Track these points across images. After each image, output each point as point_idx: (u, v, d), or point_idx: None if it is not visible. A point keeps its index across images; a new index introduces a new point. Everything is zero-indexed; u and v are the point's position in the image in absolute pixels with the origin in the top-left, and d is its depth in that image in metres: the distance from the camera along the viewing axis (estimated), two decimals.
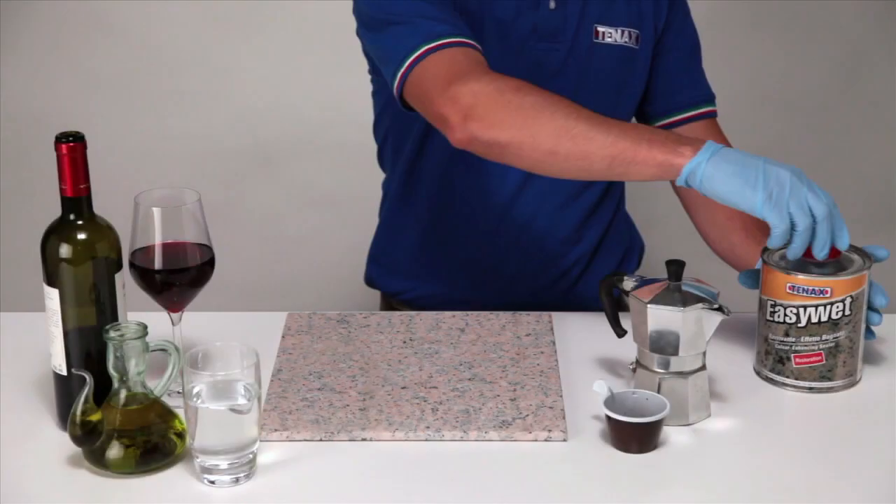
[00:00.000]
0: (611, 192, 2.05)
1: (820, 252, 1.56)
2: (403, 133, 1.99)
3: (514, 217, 1.97)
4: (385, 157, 2.08)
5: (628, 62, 1.92)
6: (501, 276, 2.01)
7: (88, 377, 1.45)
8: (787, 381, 1.65)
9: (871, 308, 1.66)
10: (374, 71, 1.99)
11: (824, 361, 1.63)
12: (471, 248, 2.00)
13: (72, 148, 1.47)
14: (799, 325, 1.63)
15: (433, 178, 1.99)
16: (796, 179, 1.54)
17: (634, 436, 1.50)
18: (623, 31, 1.91)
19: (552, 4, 1.87)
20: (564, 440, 1.53)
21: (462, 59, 1.71)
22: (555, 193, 1.97)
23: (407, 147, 1.99)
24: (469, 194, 1.97)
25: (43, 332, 1.55)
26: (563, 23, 1.88)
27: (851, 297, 1.61)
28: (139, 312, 1.59)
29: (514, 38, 1.87)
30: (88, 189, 1.50)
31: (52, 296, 1.51)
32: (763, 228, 1.85)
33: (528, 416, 1.56)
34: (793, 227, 1.54)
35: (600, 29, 1.90)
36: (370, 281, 2.13)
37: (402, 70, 1.72)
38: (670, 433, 1.54)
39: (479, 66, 1.70)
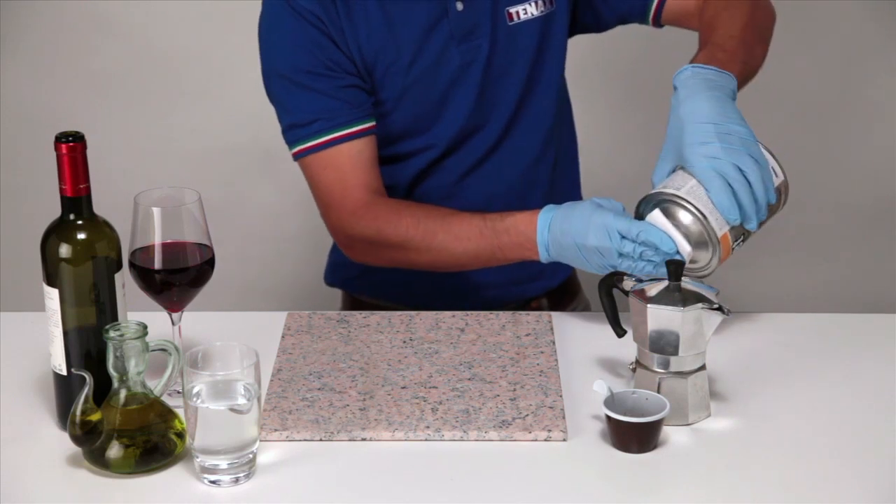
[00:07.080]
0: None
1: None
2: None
3: None
4: None
5: (550, 26, 1.93)
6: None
7: (88, 377, 1.45)
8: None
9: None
10: None
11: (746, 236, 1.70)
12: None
13: (72, 148, 1.47)
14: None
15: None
16: (597, 212, 1.67)
17: (634, 436, 1.50)
18: (536, 3, 1.91)
19: (459, 6, 1.88)
20: (564, 440, 1.53)
21: (343, 177, 1.88)
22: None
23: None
24: None
25: (43, 332, 1.55)
26: (477, 19, 1.88)
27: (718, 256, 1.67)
28: (139, 312, 1.59)
29: (435, 50, 1.88)
30: (88, 189, 1.50)
31: (52, 296, 1.51)
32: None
33: (527, 415, 1.56)
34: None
35: (512, 10, 1.90)
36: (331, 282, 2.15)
37: (292, 153, 1.93)
38: (670, 433, 1.54)
39: (353, 195, 1.86)
